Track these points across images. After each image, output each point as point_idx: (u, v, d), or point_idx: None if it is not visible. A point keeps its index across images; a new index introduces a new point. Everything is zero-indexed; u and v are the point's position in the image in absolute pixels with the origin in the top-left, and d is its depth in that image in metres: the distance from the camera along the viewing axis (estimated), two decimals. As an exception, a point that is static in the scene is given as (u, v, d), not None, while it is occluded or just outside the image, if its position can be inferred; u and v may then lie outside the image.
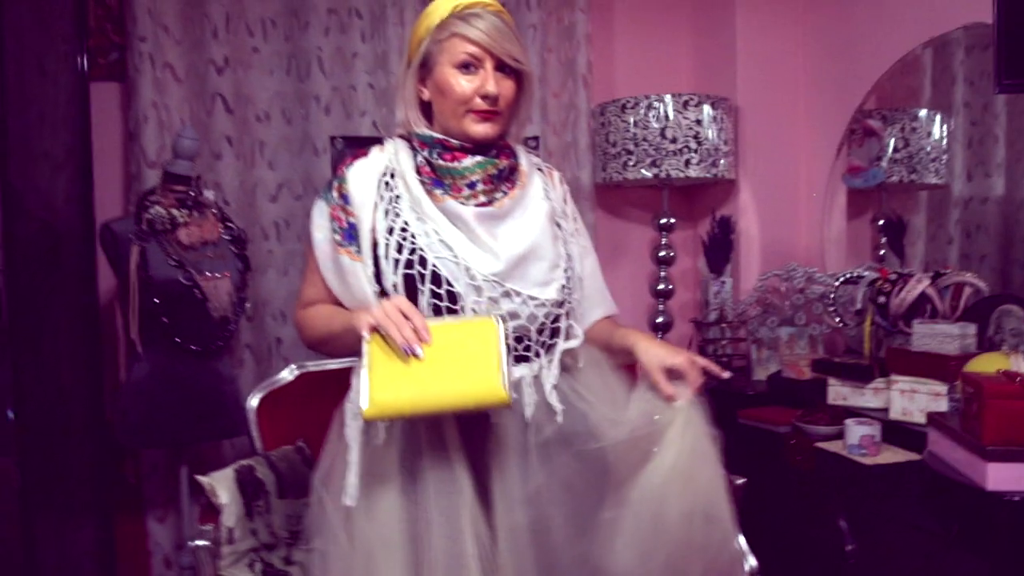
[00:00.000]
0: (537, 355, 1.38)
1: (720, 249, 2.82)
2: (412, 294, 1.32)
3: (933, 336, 2.07)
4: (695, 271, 3.07)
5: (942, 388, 1.95)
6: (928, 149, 2.66)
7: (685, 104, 2.68)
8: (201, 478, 1.98)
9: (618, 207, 3.12)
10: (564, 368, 1.41)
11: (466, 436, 1.30)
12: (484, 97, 1.33)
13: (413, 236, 1.33)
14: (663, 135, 2.68)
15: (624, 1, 3.07)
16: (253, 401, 2.27)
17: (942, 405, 1.93)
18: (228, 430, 2.32)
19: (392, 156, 1.39)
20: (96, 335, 2.32)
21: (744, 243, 2.93)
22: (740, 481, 2.19)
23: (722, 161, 2.75)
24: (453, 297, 1.32)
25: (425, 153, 1.38)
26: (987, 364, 1.76)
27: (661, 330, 2.91)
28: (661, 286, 2.90)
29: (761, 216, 2.94)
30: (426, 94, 1.40)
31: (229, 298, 2.23)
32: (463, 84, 1.34)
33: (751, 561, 2.15)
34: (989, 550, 1.61)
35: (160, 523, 2.61)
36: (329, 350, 1.45)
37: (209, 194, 2.31)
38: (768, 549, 2.21)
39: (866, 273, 2.47)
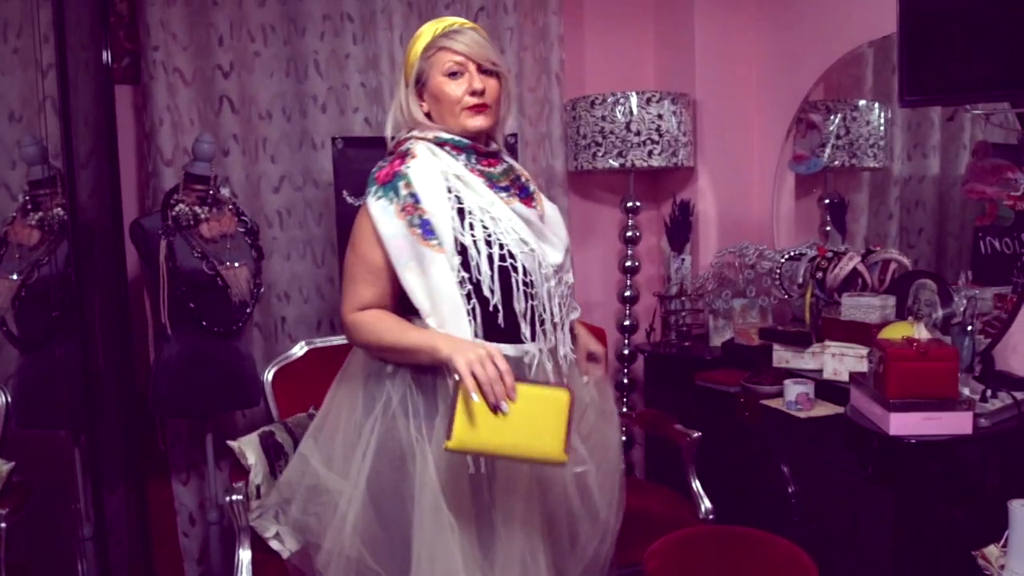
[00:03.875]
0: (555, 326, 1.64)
1: (680, 229, 3.13)
2: (507, 284, 1.51)
3: (858, 307, 2.40)
4: (659, 249, 3.39)
5: (864, 352, 2.28)
6: (867, 135, 2.97)
7: (648, 100, 2.98)
8: (231, 443, 2.28)
9: (589, 191, 3.42)
10: None
11: None
12: (473, 94, 1.56)
13: (498, 236, 1.52)
14: (628, 128, 2.97)
15: (594, 5, 3.34)
16: (268, 375, 2.58)
17: (864, 366, 2.27)
18: (247, 400, 2.61)
19: (439, 161, 1.56)
20: (126, 320, 2.58)
21: (702, 223, 3.24)
22: (696, 435, 2.53)
23: (682, 151, 3.05)
24: (530, 284, 1.54)
25: (464, 157, 1.58)
26: (896, 331, 2.10)
27: (629, 303, 3.23)
28: (629, 263, 3.21)
29: (718, 199, 3.25)
30: (425, 106, 1.63)
31: (247, 284, 2.51)
32: (454, 88, 1.57)
33: (706, 503, 2.50)
34: (893, 483, 1.95)
35: (184, 485, 2.89)
36: (389, 358, 1.54)
37: (225, 191, 2.58)
38: (722, 493, 2.55)
39: (807, 251, 2.80)
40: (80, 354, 1.95)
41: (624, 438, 3.26)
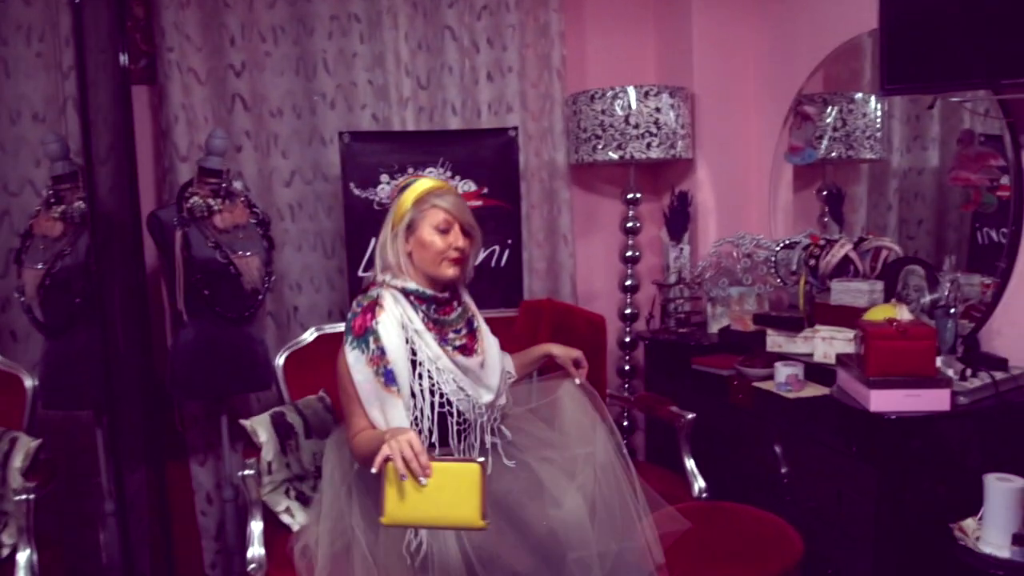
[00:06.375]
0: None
1: (678, 219, 3.21)
2: (444, 425, 1.86)
3: (847, 292, 2.47)
4: (660, 239, 3.46)
5: (852, 335, 2.36)
6: (864, 127, 3.03)
7: (646, 94, 3.06)
8: (244, 421, 2.39)
9: (591, 184, 3.51)
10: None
11: None
12: (456, 249, 1.88)
13: (440, 386, 1.85)
14: (627, 122, 3.06)
15: (595, 2, 3.42)
16: (280, 359, 2.69)
17: (852, 349, 2.34)
18: (260, 383, 2.73)
19: (402, 313, 1.87)
20: (144, 307, 2.70)
21: (701, 214, 3.32)
22: (690, 416, 2.61)
23: (680, 143, 3.13)
24: (466, 422, 1.89)
25: (424, 308, 1.89)
26: (879, 313, 2.17)
27: (630, 292, 3.32)
28: (629, 253, 3.30)
29: (716, 190, 3.33)
30: (408, 247, 1.90)
31: (259, 273, 2.63)
32: (440, 241, 1.87)
33: (700, 482, 2.58)
34: (876, 460, 2.03)
35: (201, 466, 3.02)
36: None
37: (238, 184, 2.69)
38: (718, 473, 2.63)
39: (801, 239, 2.88)
40: (101, 340, 2.05)
41: (626, 423, 3.35)
